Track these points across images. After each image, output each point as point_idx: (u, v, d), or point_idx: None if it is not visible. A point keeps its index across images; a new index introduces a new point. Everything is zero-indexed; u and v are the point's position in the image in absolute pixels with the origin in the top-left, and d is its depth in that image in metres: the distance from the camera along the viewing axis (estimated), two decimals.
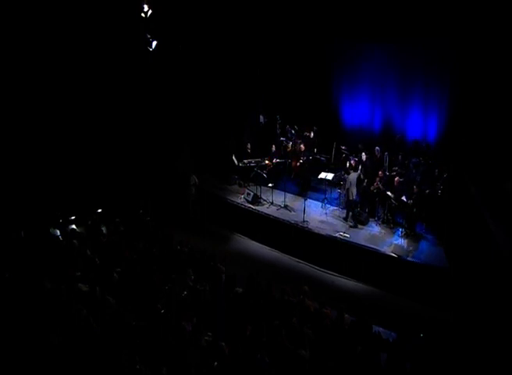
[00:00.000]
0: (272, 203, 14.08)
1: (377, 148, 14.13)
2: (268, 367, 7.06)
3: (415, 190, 12.04)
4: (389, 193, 12.37)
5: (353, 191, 12.61)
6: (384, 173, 13.11)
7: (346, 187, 12.71)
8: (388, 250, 11.67)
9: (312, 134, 15.14)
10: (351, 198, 12.69)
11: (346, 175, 13.44)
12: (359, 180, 12.78)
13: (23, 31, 12.48)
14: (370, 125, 15.80)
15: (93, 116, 14.14)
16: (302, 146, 14.85)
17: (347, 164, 13.56)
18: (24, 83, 12.85)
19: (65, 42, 13.20)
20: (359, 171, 12.94)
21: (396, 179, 12.50)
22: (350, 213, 13.08)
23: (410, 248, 11.72)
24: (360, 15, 14.09)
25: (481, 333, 8.81)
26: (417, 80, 14.51)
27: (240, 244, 13.68)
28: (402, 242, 11.90)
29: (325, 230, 12.63)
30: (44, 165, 13.35)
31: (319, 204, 13.95)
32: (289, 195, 14.27)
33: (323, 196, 14.00)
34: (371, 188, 12.92)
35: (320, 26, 15.05)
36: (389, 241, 12.08)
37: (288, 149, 15.62)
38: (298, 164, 15.03)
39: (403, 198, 12.05)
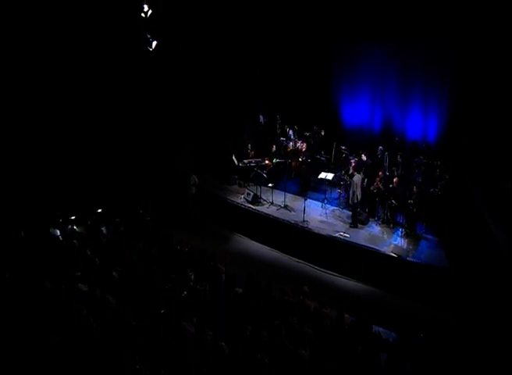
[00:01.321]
0: (272, 203, 14.07)
1: (380, 147, 14.17)
2: (268, 367, 7.05)
3: (415, 190, 12.04)
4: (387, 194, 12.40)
5: (359, 193, 12.53)
6: (384, 173, 13.13)
7: (352, 189, 12.60)
8: (388, 250, 11.66)
9: (323, 133, 15.18)
10: (356, 201, 12.59)
11: (346, 175, 13.46)
12: (362, 182, 12.77)
13: (23, 31, 12.48)
14: (370, 125, 15.82)
15: (93, 116, 14.14)
16: (304, 145, 14.89)
17: (350, 168, 13.51)
18: (24, 83, 12.85)
19: (66, 42, 13.20)
20: (362, 172, 12.92)
21: (396, 179, 12.51)
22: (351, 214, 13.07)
23: (410, 248, 11.71)
24: (360, 15, 14.09)
25: (481, 333, 8.82)
26: (417, 80, 14.52)
27: (240, 244, 13.68)
28: (402, 242, 11.89)
29: (325, 230, 12.62)
30: (44, 165, 13.35)
31: (319, 204, 13.95)
32: (289, 195, 14.27)
33: (323, 196, 13.99)
34: (371, 188, 12.92)
35: (320, 26, 15.06)
36: (389, 241, 12.08)
37: (288, 149, 15.65)
38: (298, 164, 15.05)
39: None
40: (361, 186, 12.67)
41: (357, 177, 12.57)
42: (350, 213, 13.08)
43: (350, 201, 12.87)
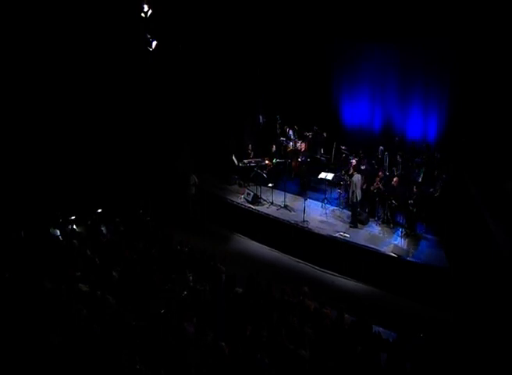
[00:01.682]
0: (272, 203, 14.07)
1: (381, 147, 14.17)
2: (268, 367, 7.06)
3: (415, 190, 12.04)
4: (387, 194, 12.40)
5: (358, 193, 12.53)
6: (384, 173, 13.13)
7: (352, 189, 12.60)
8: (388, 250, 11.66)
9: (325, 134, 15.20)
10: (355, 201, 12.60)
11: (346, 175, 13.45)
12: (362, 183, 12.76)
13: (23, 31, 12.48)
14: (370, 125, 15.84)
15: (93, 115, 14.14)
16: (303, 146, 14.88)
17: (350, 168, 13.50)
18: (24, 83, 12.84)
19: (66, 42, 13.20)
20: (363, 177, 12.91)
21: (396, 179, 12.51)
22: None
23: (410, 248, 11.71)
24: (360, 15, 14.11)
25: (481, 333, 8.82)
26: (417, 80, 14.54)
27: (240, 244, 13.68)
28: (402, 242, 11.88)
29: (325, 230, 12.62)
30: (44, 165, 13.35)
31: (319, 204, 13.94)
32: (289, 195, 14.27)
33: (323, 196, 13.99)
34: (371, 188, 12.92)
35: (320, 26, 15.07)
36: (389, 241, 12.07)
37: (288, 149, 15.65)
38: (298, 164, 15.06)
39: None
40: (361, 186, 12.67)
41: (357, 177, 12.56)
42: (350, 213, 13.09)
43: (350, 201, 12.88)
